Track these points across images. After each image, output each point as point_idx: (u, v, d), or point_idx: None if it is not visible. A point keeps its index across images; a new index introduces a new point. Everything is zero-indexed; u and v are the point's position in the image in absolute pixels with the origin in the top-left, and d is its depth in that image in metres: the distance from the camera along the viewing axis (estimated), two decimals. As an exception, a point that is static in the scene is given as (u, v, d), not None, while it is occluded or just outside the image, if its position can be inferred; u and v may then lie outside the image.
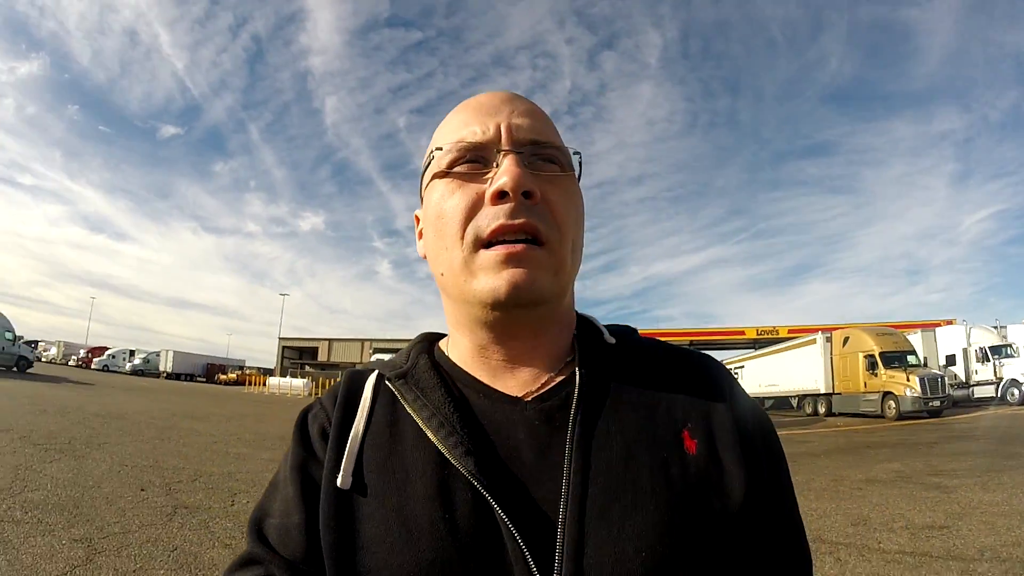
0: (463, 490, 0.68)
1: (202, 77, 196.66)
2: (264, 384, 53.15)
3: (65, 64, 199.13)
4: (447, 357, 0.85)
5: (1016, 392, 24.48)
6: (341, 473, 0.72)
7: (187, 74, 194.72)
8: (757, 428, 0.79)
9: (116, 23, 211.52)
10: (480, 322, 0.76)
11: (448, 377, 0.81)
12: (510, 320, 0.74)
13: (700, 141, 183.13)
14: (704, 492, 0.69)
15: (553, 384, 0.77)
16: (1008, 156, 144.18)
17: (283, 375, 59.48)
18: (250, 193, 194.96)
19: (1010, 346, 26.35)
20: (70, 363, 70.11)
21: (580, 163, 0.80)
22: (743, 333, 46.96)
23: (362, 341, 74.50)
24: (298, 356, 77.45)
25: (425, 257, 0.83)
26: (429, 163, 0.79)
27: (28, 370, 34.76)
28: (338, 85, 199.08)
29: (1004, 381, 25.30)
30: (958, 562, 5.08)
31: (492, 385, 0.78)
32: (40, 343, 75.36)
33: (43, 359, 64.69)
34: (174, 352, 70.43)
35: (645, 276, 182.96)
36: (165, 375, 67.25)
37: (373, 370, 0.85)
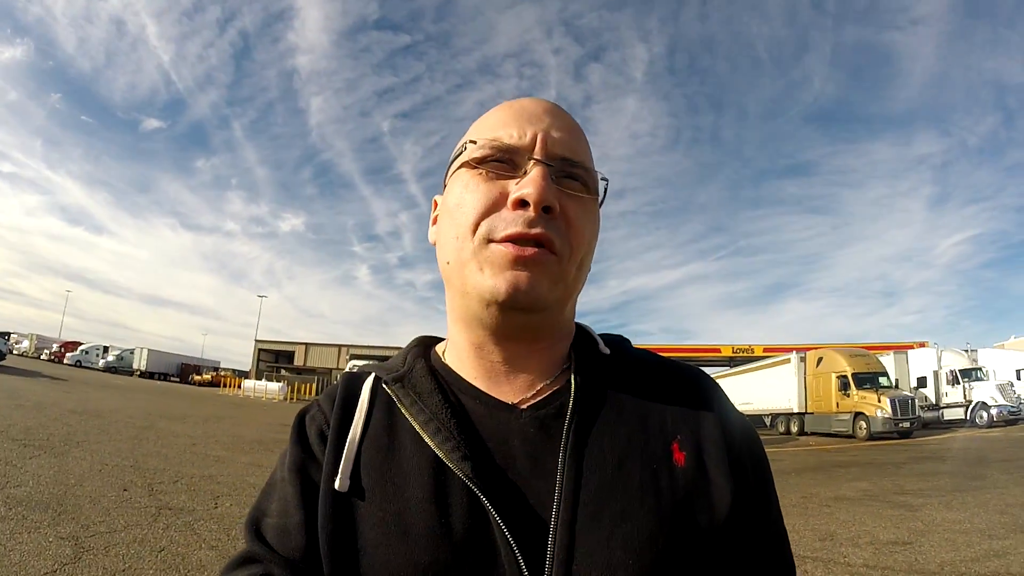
0: (459, 494, 0.69)
1: (188, 71, 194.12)
2: (239, 386, 52.10)
3: (50, 51, 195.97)
4: (443, 362, 0.86)
5: (984, 415, 24.97)
6: (339, 476, 0.73)
7: (172, 67, 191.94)
8: (745, 442, 0.81)
9: (103, 11, 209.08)
10: (478, 319, 0.77)
11: (444, 382, 0.82)
12: (507, 321, 0.75)
13: (683, 157, 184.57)
14: (692, 503, 0.71)
15: (548, 392, 0.79)
16: (985, 181, 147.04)
17: (259, 378, 58.54)
18: (231, 191, 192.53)
19: (980, 369, 27.09)
20: (42, 357, 68.62)
21: (606, 189, 0.81)
22: (719, 351, 47.44)
23: (339, 347, 73.78)
24: (274, 359, 76.46)
25: (434, 244, 0.85)
26: (460, 153, 0.80)
27: (1, 363, 34.01)
28: (324, 85, 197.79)
29: (973, 404, 25.82)
30: (917, 575, 5.31)
31: (488, 391, 0.80)
32: (12, 335, 74.00)
33: (15, 352, 63.65)
34: (149, 350, 69.27)
35: (623, 290, 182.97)
36: (139, 373, 66.12)
37: (370, 373, 0.86)
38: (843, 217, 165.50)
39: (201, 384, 64.18)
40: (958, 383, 27.01)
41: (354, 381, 0.86)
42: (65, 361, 64.46)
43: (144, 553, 5.03)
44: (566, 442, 0.73)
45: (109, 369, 63.68)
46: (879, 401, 22.55)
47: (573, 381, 0.78)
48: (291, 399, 44.89)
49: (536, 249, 0.71)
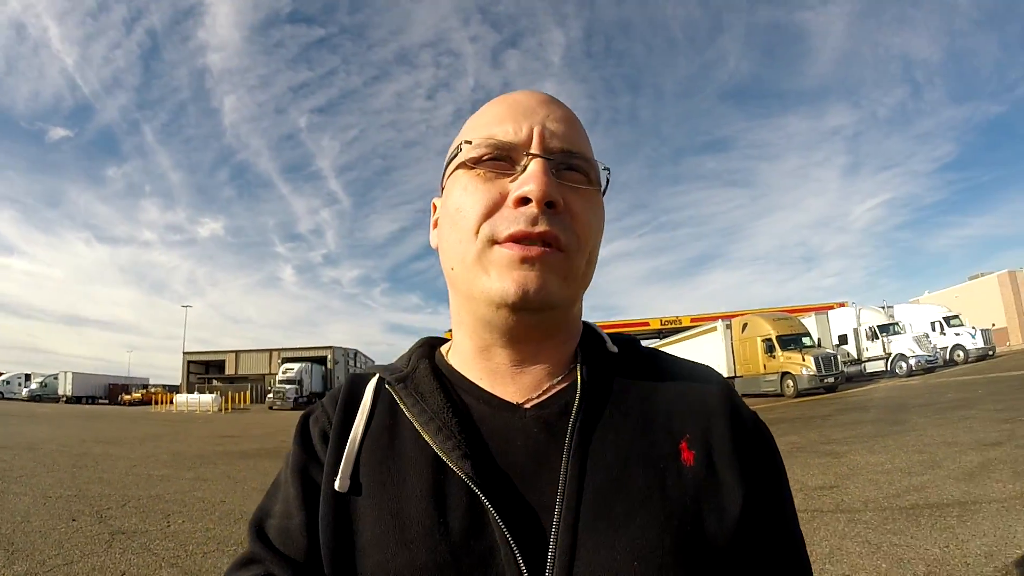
0: (459, 494, 0.69)
1: (93, 74, 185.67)
2: (171, 402, 50.52)
3: None
4: (447, 362, 0.85)
5: (904, 365, 26.80)
6: (339, 476, 0.73)
7: (78, 71, 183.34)
8: (758, 443, 0.79)
9: (2, 15, 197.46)
10: (485, 321, 0.75)
11: (448, 382, 0.81)
12: (516, 322, 0.73)
13: (602, 138, 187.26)
14: (700, 505, 0.69)
15: (553, 392, 0.78)
16: (895, 149, 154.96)
17: (190, 391, 57.27)
18: (145, 199, 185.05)
19: (897, 324, 28.91)
20: (-42, 390, 65.66)
21: (608, 179, 0.79)
22: (648, 324, 48.60)
23: (270, 351, 72.24)
24: (204, 370, 74.58)
25: (436, 248, 0.83)
26: (455, 154, 0.78)
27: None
28: (237, 83, 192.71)
29: (892, 356, 27.71)
30: (845, 514, 5.82)
31: (492, 391, 0.79)
32: (-78, 371, 70.00)
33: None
34: (73, 374, 66.97)
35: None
36: (65, 399, 63.80)
37: (374, 374, 0.86)
38: (761, 189, 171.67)
39: (132, 403, 62.00)
40: (877, 338, 28.85)
41: (358, 382, 0.86)
42: (-16, 394, 61.61)
43: (105, 578, 5.00)
44: (570, 441, 0.71)
45: (33, 398, 61.73)
46: (803, 360, 23.89)
47: (579, 379, 0.77)
48: (226, 409, 44.00)
49: (542, 248, 0.69)
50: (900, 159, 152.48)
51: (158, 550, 5.92)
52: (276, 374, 56.75)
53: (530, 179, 0.69)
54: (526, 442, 0.73)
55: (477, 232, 0.72)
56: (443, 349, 0.90)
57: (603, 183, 0.79)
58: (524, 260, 0.69)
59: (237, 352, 74.21)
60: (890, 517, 5.55)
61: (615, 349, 0.84)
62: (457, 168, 0.77)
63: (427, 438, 0.73)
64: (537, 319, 0.74)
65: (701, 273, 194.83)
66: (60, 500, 8.38)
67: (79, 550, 5.90)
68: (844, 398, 20.09)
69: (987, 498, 5.79)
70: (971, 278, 50.37)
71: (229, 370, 72.55)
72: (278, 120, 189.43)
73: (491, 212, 0.71)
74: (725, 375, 22.04)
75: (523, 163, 0.72)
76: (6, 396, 61.46)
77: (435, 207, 0.87)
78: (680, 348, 34.00)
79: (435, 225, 0.85)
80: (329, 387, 63.41)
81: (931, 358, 26.90)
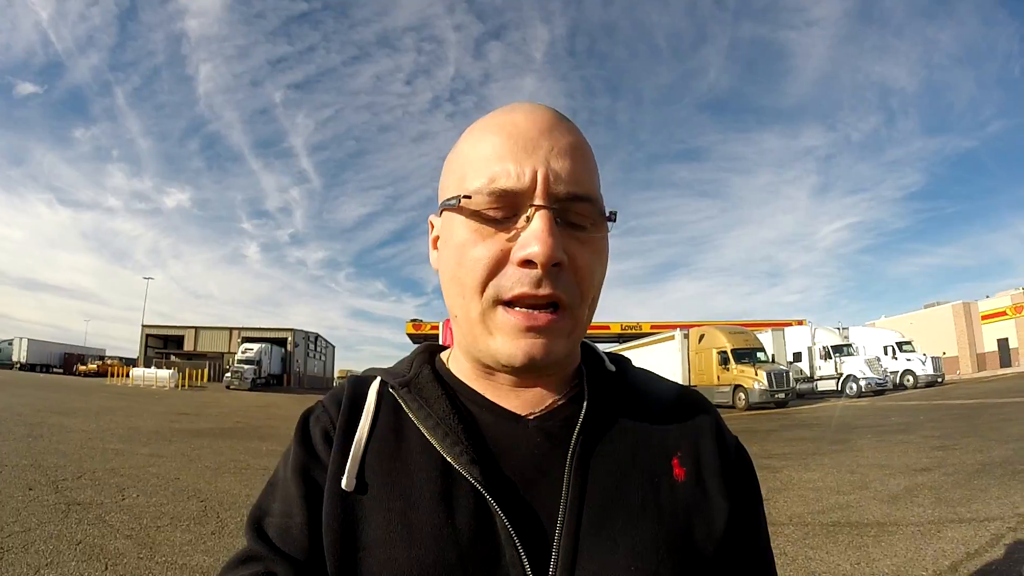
0: (466, 497, 0.70)
1: (67, 31, 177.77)
2: (128, 375, 49.70)
3: None
4: (449, 370, 0.86)
5: (854, 386, 27.56)
6: (345, 475, 0.73)
7: (51, 26, 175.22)
8: (739, 464, 0.84)
9: None
10: (492, 367, 0.78)
11: (451, 390, 0.82)
12: (522, 375, 0.78)
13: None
14: (691, 517, 0.74)
15: (556, 406, 0.80)
16: (865, 174, 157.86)
17: (147, 365, 56.06)
18: (112, 164, 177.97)
19: (850, 346, 29.77)
20: (-95, 353, 63.99)
21: (614, 217, 0.76)
22: (608, 328, 49.43)
23: (230, 329, 71.29)
24: (163, 345, 73.04)
25: (436, 271, 0.82)
26: (455, 199, 0.73)
27: None
28: (214, 52, 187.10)
29: (844, 376, 28.45)
30: (770, 527, 6.10)
31: (495, 401, 0.80)
32: None
33: None
34: (29, 340, 65.69)
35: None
36: (19, 366, 62.69)
37: (375, 376, 0.86)
38: (732, 201, 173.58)
39: (87, 375, 61.11)
40: (830, 358, 29.60)
41: (360, 384, 0.86)
42: (-65, 356, 60.12)
43: (63, 547, 5.21)
44: (573, 453, 0.74)
45: None
46: (756, 375, 24.50)
47: (586, 395, 0.80)
48: (182, 386, 43.51)
49: (548, 316, 0.70)
50: (869, 184, 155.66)
51: (113, 522, 6.11)
52: (235, 353, 56.35)
53: (534, 239, 0.67)
54: (529, 451, 0.76)
55: (481, 291, 0.71)
56: (443, 356, 0.91)
57: (609, 221, 0.76)
58: (530, 328, 0.70)
59: (197, 328, 73.00)
60: (811, 532, 5.93)
61: (612, 368, 0.87)
62: (458, 209, 0.73)
63: (434, 443, 0.74)
64: (542, 371, 0.77)
65: (667, 280, 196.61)
66: (16, 469, 8.48)
67: (36, 518, 6.06)
68: (792, 414, 20.64)
69: (906, 521, 6.14)
70: (927, 306, 51.67)
71: (188, 346, 71.45)
72: (253, 93, 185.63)
73: (495, 271, 0.70)
74: (680, 384, 22.75)
75: (527, 214, 0.69)
76: None
77: (433, 226, 0.85)
78: (638, 354, 34.28)
79: (434, 245, 0.84)
80: (287, 369, 63.29)
81: (881, 381, 27.62)
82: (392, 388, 0.83)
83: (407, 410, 0.79)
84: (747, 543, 0.79)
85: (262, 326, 71.07)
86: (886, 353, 31.62)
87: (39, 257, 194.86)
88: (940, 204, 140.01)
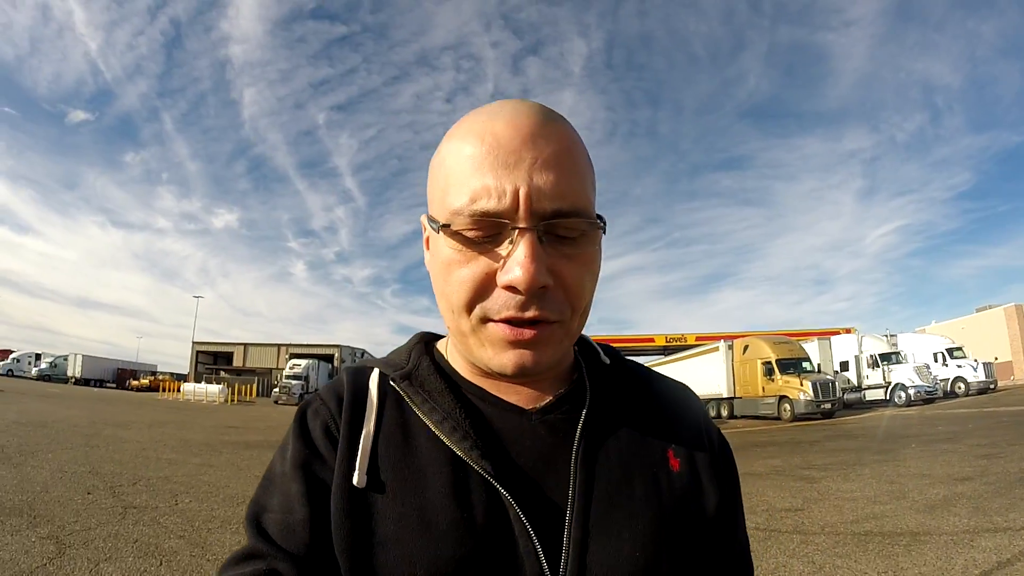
0: (479, 490, 0.71)
1: (116, 60, 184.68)
2: (178, 390, 51.12)
3: None
4: (448, 362, 0.86)
5: (903, 395, 26.66)
6: (356, 472, 0.73)
7: (100, 56, 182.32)
8: (722, 453, 0.88)
9: None
10: (487, 372, 0.79)
11: (453, 383, 0.82)
12: (516, 380, 0.79)
13: (619, 150, 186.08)
14: (688, 506, 0.77)
15: (557, 399, 0.81)
16: (911, 175, 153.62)
17: (198, 381, 57.49)
18: (162, 186, 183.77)
19: (898, 353, 28.85)
20: (-31, 368, 66.61)
21: (604, 228, 0.74)
22: (653, 340, 49.01)
23: (278, 346, 72.92)
24: (212, 361, 74.95)
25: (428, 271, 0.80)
26: (437, 224, 0.72)
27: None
28: (257, 76, 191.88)
29: (892, 385, 27.57)
30: (801, 535, 6.25)
31: (497, 395, 0.80)
32: (-64, 345, 70.96)
33: (-60, 363, 61.38)
34: (83, 356, 67.41)
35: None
36: (73, 380, 64.24)
37: (372, 368, 0.85)
38: (776, 209, 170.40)
39: (139, 389, 62.68)
40: (878, 366, 28.70)
41: (360, 377, 0.84)
42: (-5, 370, 62.43)
43: (120, 545, 5.58)
44: (578, 445, 0.76)
45: (43, 377, 61.81)
46: (801, 385, 23.99)
47: (588, 388, 0.82)
48: (231, 401, 44.48)
49: (534, 331, 0.69)
50: (916, 185, 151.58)
51: (167, 524, 6.47)
52: (283, 369, 57.28)
53: (516, 265, 0.65)
54: (535, 444, 0.76)
55: (468, 312, 0.71)
56: (441, 346, 0.89)
57: (601, 226, 0.73)
58: (517, 341, 0.70)
59: (246, 345, 74.84)
60: (841, 541, 5.96)
61: (608, 361, 0.89)
62: (442, 229, 0.71)
63: (443, 437, 0.74)
64: (535, 377, 0.78)
65: (712, 291, 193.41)
66: (75, 475, 8.95)
67: (95, 519, 6.47)
68: (838, 425, 20.34)
69: (939, 531, 6.12)
70: (978, 310, 50.04)
71: (237, 362, 73.10)
72: (297, 115, 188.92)
73: (480, 293, 0.70)
74: (724, 396, 22.31)
75: (510, 238, 0.67)
76: (15, 374, 61.95)
77: (424, 225, 0.81)
78: (682, 367, 34.15)
79: (427, 245, 0.80)
80: (335, 385, 63.06)
81: (930, 389, 26.83)
82: (393, 381, 0.81)
83: (411, 404, 0.79)
84: (728, 529, 0.82)
85: (310, 342, 72.35)
86: (936, 360, 30.64)
87: (92, 277, 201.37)
88: (991, 203, 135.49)
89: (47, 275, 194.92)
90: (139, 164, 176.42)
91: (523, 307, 0.68)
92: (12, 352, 68.31)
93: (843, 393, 26.52)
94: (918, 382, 26.83)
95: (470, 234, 0.69)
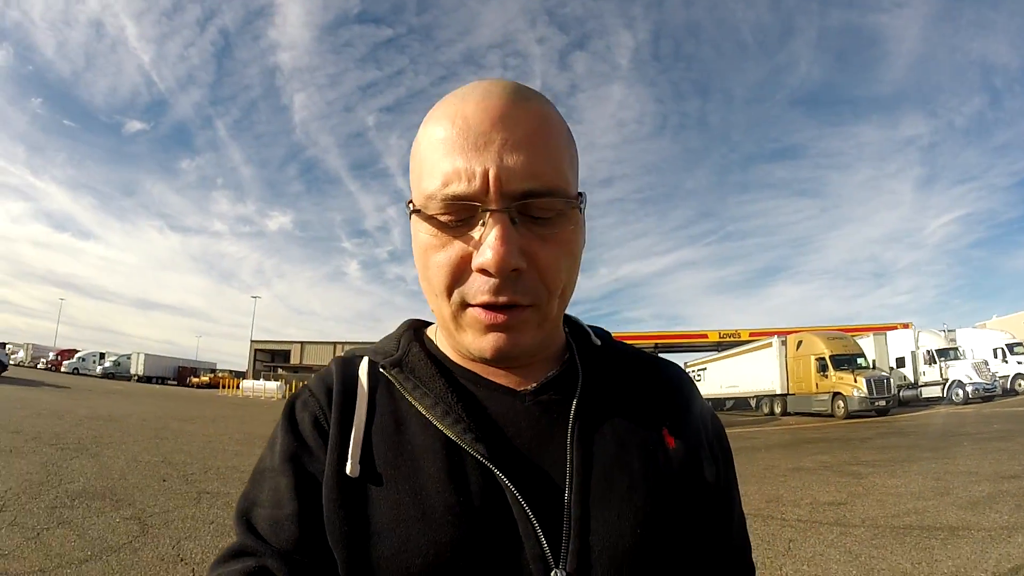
0: (474, 473, 0.70)
1: (169, 71, 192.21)
2: (238, 387, 53.35)
3: (29, 56, 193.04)
4: (438, 347, 0.85)
5: (960, 392, 25.85)
6: (349, 462, 0.72)
7: (153, 68, 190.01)
8: (714, 429, 0.88)
9: (82, 14, 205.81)
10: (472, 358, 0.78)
11: (444, 368, 0.81)
12: (499, 365, 0.78)
13: (670, 143, 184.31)
14: (685, 481, 0.76)
15: (549, 380, 0.80)
16: (972, 162, 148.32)
17: (256, 378, 59.62)
18: (217, 191, 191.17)
19: (956, 349, 27.93)
20: (39, 366, 69.50)
21: (583, 206, 0.73)
22: (706, 336, 48.14)
23: (334, 344, 74.56)
24: (270, 359, 77.17)
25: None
26: (417, 208, 0.72)
27: (3, 374, 34.53)
28: (307, 82, 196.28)
29: (950, 382, 26.66)
30: (841, 527, 6.40)
31: (488, 378, 0.80)
32: (7, 345, 74.11)
33: (11, 362, 64.11)
34: (145, 355, 69.86)
35: (615, 278, 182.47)
36: (136, 378, 66.65)
37: (361, 357, 0.84)
38: (832, 200, 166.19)
39: (199, 386, 65.04)
40: (935, 362, 27.76)
41: (348, 366, 0.83)
42: (62, 369, 64.98)
43: (198, 526, 6.10)
44: (573, 425, 0.75)
45: (107, 375, 64.17)
46: (855, 381, 23.59)
47: (580, 368, 0.81)
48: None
49: (507, 315, 0.70)
50: (977, 172, 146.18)
51: (238, 509, 6.96)
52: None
53: (488, 247, 0.66)
54: (530, 424, 0.76)
55: (448, 296, 0.71)
56: (430, 332, 0.89)
57: (579, 204, 0.72)
58: (492, 325, 0.70)
59: (303, 343, 76.89)
60: (880, 534, 6.10)
61: (598, 342, 0.89)
62: (416, 215, 0.72)
63: (435, 421, 0.74)
64: (517, 361, 0.77)
65: (767, 285, 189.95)
66: (149, 464, 9.62)
67: (172, 503, 7.03)
68: (892, 422, 20.04)
69: (978, 526, 6.20)
70: None
71: (294, 360, 75.03)
72: (346, 118, 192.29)
73: (457, 277, 0.70)
74: (778, 392, 22.83)
75: (482, 220, 0.67)
76: (80, 372, 64.18)
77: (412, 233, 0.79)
78: (735, 362, 34.08)
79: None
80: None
81: (989, 386, 25.91)
82: (383, 368, 0.81)
83: (402, 390, 0.78)
84: (724, 504, 0.84)
85: (364, 340, 73.11)
86: (995, 356, 29.53)
87: (152, 279, 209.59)
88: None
89: (109, 278, 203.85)
90: (194, 170, 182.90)
91: (497, 291, 0.68)
92: (77, 351, 71.15)
93: (899, 390, 25.93)
94: (976, 379, 25.96)
95: (443, 218, 0.69)
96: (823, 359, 25.73)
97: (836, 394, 24.49)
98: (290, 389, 46.96)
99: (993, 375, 27.07)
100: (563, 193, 0.70)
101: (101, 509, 6.53)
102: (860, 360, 25.77)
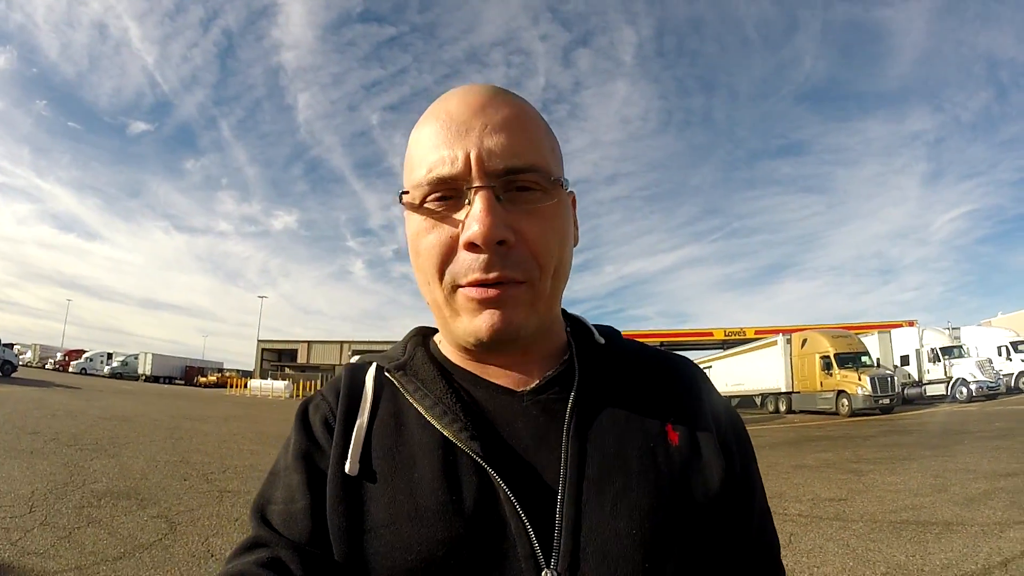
0: (469, 472, 0.72)
1: (172, 72, 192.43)
2: (245, 386, 53.50)
3: (33, 58, 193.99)
4: (441, 351, 0.87)
5: (964, 390, 25.99)
6: (348, 460, 0.74)
7: (157, 69, 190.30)
8: (729, 423, 0.86)
9: (85, 16, 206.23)
10: (466, 347, 0.79)
11: (446, 370, 0.83)
12: (494, 350, 0.78)
13: (674, 140, 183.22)
14: (687, 478, 0.75)
15: (549, 379, 0.80)
16: (979, 157, 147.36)
17: (263, 377, 59.70)
18: (222, 191, 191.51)
19: (960, 347, 28.04)
20: (47, 366, 69.72)
21: (567, 187, 0.77)
22: (711, 334, 48.64)
23: (341, 343, 74.62)
24: (277, 358, 77.10)
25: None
26: (406, 192, 0.75)
27: (12, 374, 34.77)
28: (310, 81, 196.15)
29: (954, 380, 26.82)
30: (840, 522, 6.64)
31: (488, 379, 0.81)
32: (15, 346, 74.10)
33: (20, 363, 64.21)
34: (153, 355, 70.07)
35: (620, 276, 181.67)
36: (144, 378, 66.72)
37: (371, 363, 0.87)
38: (838, 196, 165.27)
39: (207, 386, 65.01)
40: (939, 360, 27.96)
41: (357, 371, 0.86)
42: (70, 369, 65.15)
43: (224, 523, 6.36)
44: (569, 423, 0.75)
45: (115, 375, 64.29)
46: (859, 379, 23.85)
47: (576, 366, 0.81)
48: (297, 396, 45.68)
49: (499, 290, 0.70)
50: (984, 167, 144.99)
51: (259, 508, 7.23)
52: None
53: (474, 220, 0.68)
54: (527, 424, 0.76)
55: (440, 279, 0.73)
56: (436, 339, 0.91)
57: (564, 184, 0.75)
58: (485, 300, 0.71)
59: (309, 343, 76.73)
60: (878, 528, 6.32)
61: (602, 340, 0.88)
62: (406, 206, 0.76)
63: (434, 422, 0.75)
64: (513, 346, 0.76)
65: (774, 282, 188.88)
66: (169, 464, 9.89)
67: (196, 502, 7.29)
68: (895, 420, 20.24)
69: (973, 521, 6.40)
70: None
71: (301, 359, 75.06)
72: (351, 117, 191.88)
73: (447, 257, 0.72)
74: (783, 390, 23.06)
75: (468, 197, 0.70)
76: (88, 372, 64.18)
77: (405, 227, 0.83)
78: (740, 360, 34.31)
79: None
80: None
81: (993, 384, 26.07)
82: (388, 372, 0.83)
83: (404, 392, 0.80)
84: (743, 497, 0.81)
85: (371, 339, 73.92)
86: (1000, 354, 29.57)
87: (158, 279, 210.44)
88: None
89: (115, 279, 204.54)
90: (199, 170, 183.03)
91: (487, 267, 0.69)
92: (85, 352, 71.28)
93: (903, 388, 26.15)
94: (980, 377, 26.11)
95: (431, 204, 0.72)
96: (827, 357, 25.97)
97: (840, 392, 24.74)
98: (297, 389, 47.61)
99: (997, 373, 27.13)
100: (544, 170, 0.73)
101: (128, 508, 6.79)
102: (864, 358, 26.01)
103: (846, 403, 24.19)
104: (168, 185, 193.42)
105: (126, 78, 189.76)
